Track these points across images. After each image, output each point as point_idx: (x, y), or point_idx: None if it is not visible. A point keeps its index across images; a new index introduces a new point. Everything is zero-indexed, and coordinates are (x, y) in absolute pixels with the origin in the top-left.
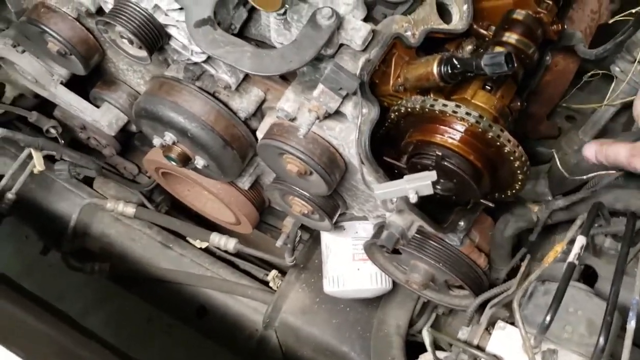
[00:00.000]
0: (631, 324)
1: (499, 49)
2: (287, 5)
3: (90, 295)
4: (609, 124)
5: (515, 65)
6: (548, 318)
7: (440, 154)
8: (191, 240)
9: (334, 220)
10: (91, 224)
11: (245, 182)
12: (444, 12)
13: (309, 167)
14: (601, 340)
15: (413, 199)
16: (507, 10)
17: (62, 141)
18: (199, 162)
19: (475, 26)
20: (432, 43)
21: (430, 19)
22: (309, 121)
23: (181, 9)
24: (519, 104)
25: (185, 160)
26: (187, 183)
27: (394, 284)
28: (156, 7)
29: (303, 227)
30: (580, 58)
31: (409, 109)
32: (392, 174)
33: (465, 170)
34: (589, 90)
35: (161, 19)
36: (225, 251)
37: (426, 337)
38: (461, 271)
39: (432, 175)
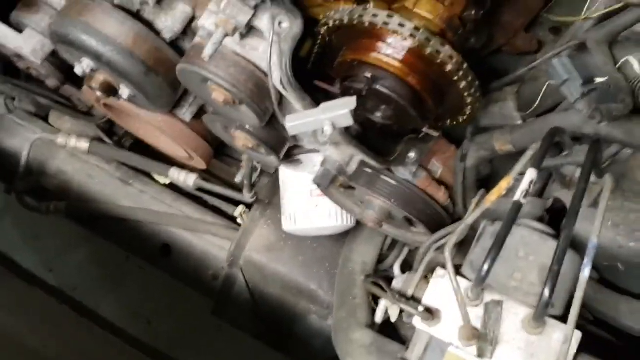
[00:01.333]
0: (584, 273)
1: None
2: None
3: (66, 233)
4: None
5: None
6: (485, 267)
7: (371, 75)
8: (156, 176)
9: (281, 156)
10: (46, 161)
11: (185, 114)
12: None
13: (233, 95)
14: (546, 291)
15: (328, 131)
16: None
17: None
18: (124, 92)
19: None
20: None
21: None
22: (215, 39)
23: None
24: (473, 13)
25: (109, 90)
26: (135, 116)
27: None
28: None
29: None
30: None
31: (337, 22)
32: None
33: (402, 94)
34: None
35: None
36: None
37: (397, 274)
38: (415, 208)
39: (351, 102)
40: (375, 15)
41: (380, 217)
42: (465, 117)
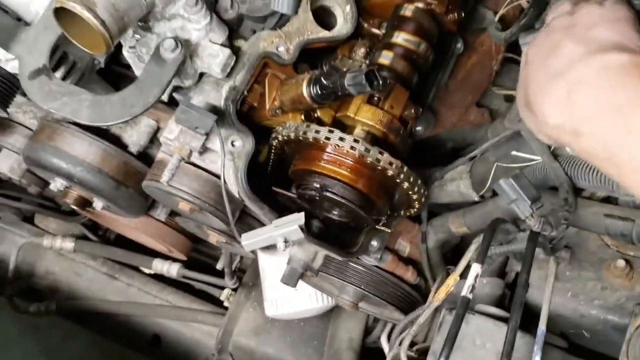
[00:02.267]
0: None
1: (385, 53)
2: (137, 36)
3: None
4: None
5: (381, 82)
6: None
7: (321, 184)
8: (141, 267)
9: None
10: (35, 262)
11: (160, 214)
12: (327, 16)
13: (198, 206)
14: None
15: (281, 247)
16: (395, 6)
17: None
18: (98, 204)
19: (366, 25)
20: (321, 50)
21: (306, 28)
22: (171, 166)
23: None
24: (412, 111)
25: (84, 204)
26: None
27: None
28: None
29: None
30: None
31: (286, 137)
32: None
33: (351, 198)
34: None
35: (8, 67)
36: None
37: (385, 345)
38: (385, 291)
39: (300, 218)
40: (317, 132)
41: (355, 300)
42: (415, 210)
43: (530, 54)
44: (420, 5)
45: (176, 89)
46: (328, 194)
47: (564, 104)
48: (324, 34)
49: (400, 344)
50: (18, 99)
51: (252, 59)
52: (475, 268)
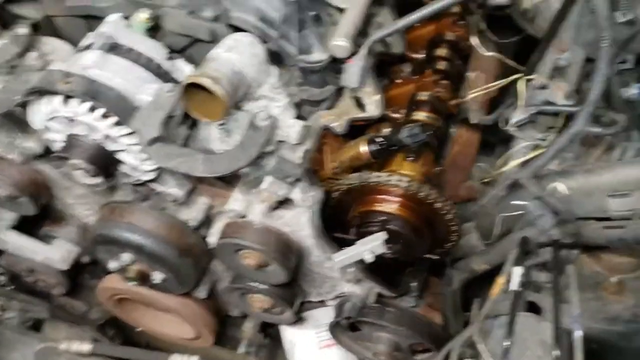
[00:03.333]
0: (578, 333)
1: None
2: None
3: None
4: None
5: (430, 132)
6: (507, 343)
7: (383, 219)
8: None
9: (295, 310)
10: None
11: (202, 292)
12: (360, 104)
13: (266, 257)
14: (556, 352)
15: (369, 258)
16: (412, 94)
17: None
18: (157, 276)
19: (388, 112)
20: (355, 130)
21: (350, 110)
22: (262, 211)
23: (130, 133)
24: (437, 169)
25: (143, 278)
26: (142, 307)
27: None
28: (106, 136)
29: (262, 331)
30: (480, 128)
31: (349, 186)
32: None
33: (407, 229)
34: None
35: (112, 146)
36: None
37: None
38: (422, 331)
39: (382, 235)
40: (378, 176)
41: (389, 349)
42: (452, 243)
43: None
44: (432, 93)
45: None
46: (390, 227)
47: None
48: (362, 114)
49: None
50: (78, 190)
51: (317, 129)
52: (517, 270)
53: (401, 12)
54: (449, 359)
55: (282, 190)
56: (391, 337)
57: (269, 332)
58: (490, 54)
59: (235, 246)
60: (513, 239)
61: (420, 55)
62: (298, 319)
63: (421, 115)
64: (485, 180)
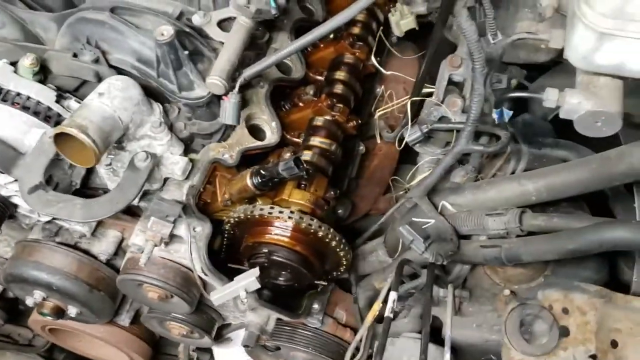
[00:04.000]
0: (446, 358)
1: (306, 152)
2: (111, 156)
3: None
4: None
5: (304, 166)
6: None
7: (267, 250)
8: None
9: (213, 335)
10: None
11: (124, 319)
12: (258, 131)
13: (167, 291)
14: None
15: (242, 296)
16: (309, 119)
17: None
18: (72, 311)
19: (288, 136)
20: (257, 157)
21: (243, 140)
22: (147, 250)
23: (15, 181)
24: (332, 193)
25: (59, 313)
26: (76, 334)
27: None
28: None
29: (201, 348)
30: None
31: (237, 218)
32: None
33: (293, 259)
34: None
35: (3, 191)
36: None
37: None
38: (330, 351)
39: (255, 271)
40: (261, 209)
41: None
42: (344, 267)
43: None
44: (328, 117)
45: (145, 193)
46: (275, 258)
47: None
48: (257, 143)
49: None
50: None
51: (205, 164)
52: (392, 295)
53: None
54: None
55: (165, 229)
56: (305, 357)
57: (209, 350)
58: (390, 72)
59: (135, 281)
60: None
61: (322, 77)
62: (225, 339)
63: (316, 140)
64: (401, 192)
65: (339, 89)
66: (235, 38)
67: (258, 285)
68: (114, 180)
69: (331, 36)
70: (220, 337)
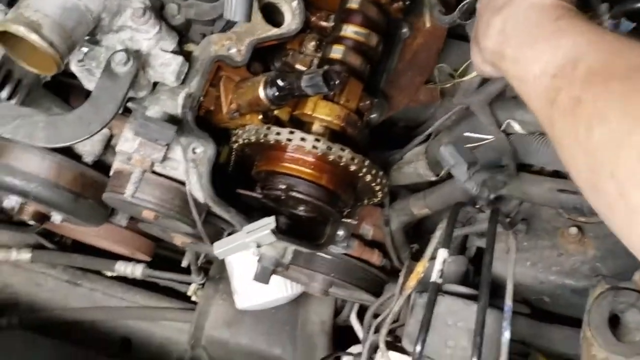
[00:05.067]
0: (505, 336)
1: (336, 47)
2: (84, 49)
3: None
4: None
5: (337, 82)
6: (418, 348)
7: (286, 184)
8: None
9: None
10: None
11: (120, 220)
12: (275, 13)
13: (162, 214)
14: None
15: (254, 252)
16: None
17: None
18: (56, 217)
19: (314, 19)
20: (273, 48)
21: (256, 28)
22: (134, 179)
23: None
24: (368, 102)
25: (42, 219)
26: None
27: None
28: None
29: None
30: None
31: (246, 140)
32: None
33: (316, 196)
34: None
35: None
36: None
37: (355, 324)
38: (354, 277)
39: (271, 222)
40: (278, 134)
41: (324, 287)
42: (378, 199)
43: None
44: None
45: (130, 99)
46: (294, 194)
47: (498, 33)
48: (273, 31)
49: (376, 331)
50: None
51: (205, 63)
52: (442, 253)
53: None
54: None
55: (156, 153)
56: (325, 278)
57: None
58: None
59: (122, 202)
60: (456, 187)
61: None
62: None
63: (350, 30)
64: (447, 85)
65: None
66: None
67: (273, 239)
68: (90, 80)
69: None
70: None
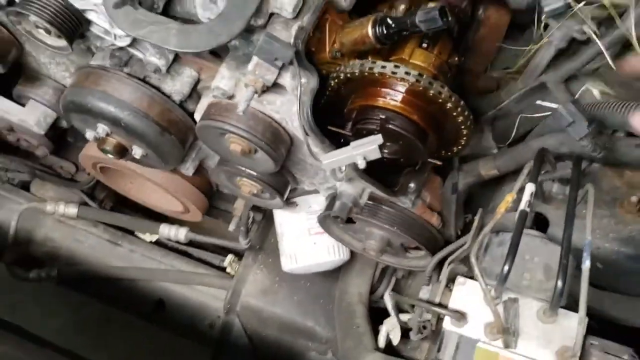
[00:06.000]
0: (586, 264)
1: (432, 4)
2: None
3: (46, 302)
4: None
5: (450, 18)
6: (506, 268)
7: (383, 117)
8: (140, 235)
9: (285, 197)
10: (33, 229)
11: (188, 168)
12: None
13: (252, 144)
14: (559, 283)
15: (361, 164)
16: None
17: None
18: (137, 152)
19: None
20: (365, 5)
21: None
22: (246, 96)
23: None
24: (456, 59)
25: (122, 152)
26: (129, 176)
27: (352, 253)
28: None
29: (255, 208)
30: (510, 11)
31: (349, 75)
32: (338, 142)
33: (410, 130)
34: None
35: (78, 3)
36: (177, 242)
37: (388, 301)
38: (416, 232)
39: (378, 138)
40: (383, 67)
41: (381, 245)
42: (460, 147)
43: None
44: None
45: (248, 29)
46: (390, 127)
47: None
48: None
49: (451, 263)
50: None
51: (317, 2)
52: (530, 187)
53: None
54: (441, 272)
55: (269, 75)
56: (383, 234)
57: (264, 211)
58: None
59: (218, 130)
60: (530, 147)
61: None
62: (290, 203)
63: None
64: (509, 71)
65: None
66: None
67: (379, 155)
68: (208, 9)
69: None
70: (286, 200)
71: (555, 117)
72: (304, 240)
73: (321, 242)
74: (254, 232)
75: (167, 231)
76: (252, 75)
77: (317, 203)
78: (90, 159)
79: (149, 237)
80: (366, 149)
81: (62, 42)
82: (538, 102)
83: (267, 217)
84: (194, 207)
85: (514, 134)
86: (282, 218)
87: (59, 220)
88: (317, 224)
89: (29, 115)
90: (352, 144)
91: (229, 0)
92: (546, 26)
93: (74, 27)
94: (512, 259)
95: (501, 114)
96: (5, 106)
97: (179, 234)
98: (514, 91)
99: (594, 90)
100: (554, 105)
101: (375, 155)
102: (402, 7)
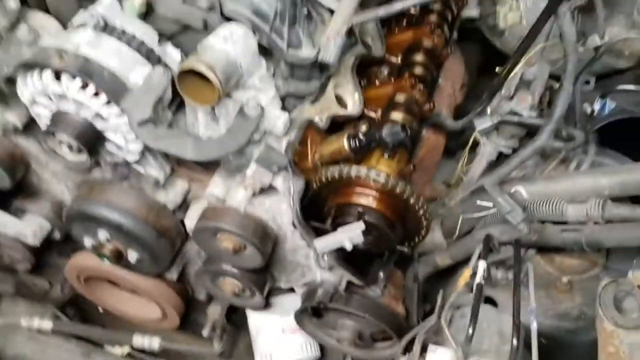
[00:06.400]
0: (534, 325)
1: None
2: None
3: None
4: None
5: (409, 133)
6: (470, 330)
7: (360, 211)
8: (109, 349)
9: (265, 295)
10: (4, 347)
11: (173, 274)
12: (340, 102)
13: (244, 241)
14: (514, 341)
15: (349, 247)
16: (390, 95)
17: None
18: (132, 256)
19: (366, 111)
20: (334, 127)
21: (332, 106)
22: (246, 197)
23: (120, 113)
24: (411, 167)
25: (118, 257)
26: (109, 287)
27: (322, 351)
28: (96, 114)
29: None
30: (446, 133)
31: (329, 178)
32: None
33: (382, 222)
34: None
35: (100, 124)
36: (151, 352)
37: None
38: (387, 320)
39: (361, 225)
40: (358, 170)
41: (353, 335)
42: (420, 237)
43: None
44: (409, 95)
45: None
46: (366, 219)
47: None
48: (343, 111)
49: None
50: (55, 166)
51: (301, 122)
52: (482, 264)
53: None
54: (413, 344)
55: (267, 178)
56: (355, 325)
57: (232, 319)
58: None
59: (214, 229)
60: (476, 237)
61: (398, 60)
62: (265, 305)
63: (397, 115)
64: (448, 182)
65: (419, 70)
66: (348, 3)
67: (362, 239)
68: (210, 128)
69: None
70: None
71: (498, 207)
72: (278, 339)
73: (294, 340)
74: (224, 340)
75: (140, 340)
76: (251, 179)
77: (289, 303)
78: (76, 268)
79: (119, 351)
80: (352, 233)
81: (82, 157)
82: (478, 202)
83: (236, 326)
84: (173, 312)
85: (457, 230)
86: (257, 320)
87: (30, 337)
88: (290, 323)
89: (26, 228)
90: (339, 229)
91: (234, 120)
92: (477, 144)
93: (95, 143)
94: (474, 322)
95: (447, 215)
96: (3, 220)
97: (152, 342)
98: (456, 197)
99: (522, 190)
100: (490, 204)
101: (359, 239)
102: (363, 127)
